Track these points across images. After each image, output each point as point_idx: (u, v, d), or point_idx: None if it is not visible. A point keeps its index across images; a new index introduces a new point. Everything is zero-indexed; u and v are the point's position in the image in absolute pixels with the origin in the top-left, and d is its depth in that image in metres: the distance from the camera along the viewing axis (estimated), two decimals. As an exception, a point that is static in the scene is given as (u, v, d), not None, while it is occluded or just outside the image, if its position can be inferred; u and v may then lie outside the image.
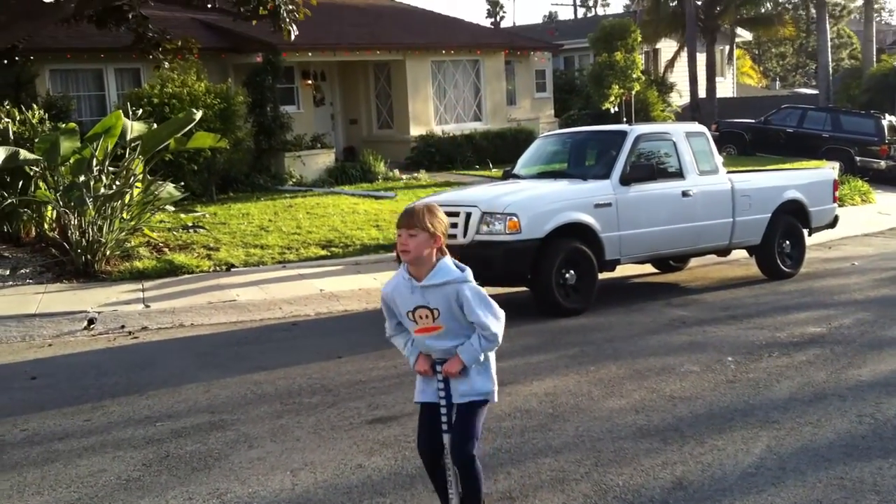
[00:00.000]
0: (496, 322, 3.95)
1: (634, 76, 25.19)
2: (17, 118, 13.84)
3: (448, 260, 4.00)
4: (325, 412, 6.26)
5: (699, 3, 30.84)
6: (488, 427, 5.81)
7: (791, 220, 11.47)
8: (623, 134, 10.44)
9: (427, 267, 3.95)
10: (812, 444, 5.34)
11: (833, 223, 12.32)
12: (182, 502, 4.77)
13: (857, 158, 23.52)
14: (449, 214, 9.24)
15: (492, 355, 4.10)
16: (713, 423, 5.79)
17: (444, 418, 4.06)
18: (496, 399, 4.10)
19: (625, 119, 25.06)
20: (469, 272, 4.02)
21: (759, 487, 4.72)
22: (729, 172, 11.32)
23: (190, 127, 12.67)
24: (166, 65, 15.63)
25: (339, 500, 4.73)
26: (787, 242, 11.43)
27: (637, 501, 4.60)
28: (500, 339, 3.99)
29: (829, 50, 32.81)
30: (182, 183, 14.00)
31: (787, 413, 5.93)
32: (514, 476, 4.98)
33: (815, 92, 38.01)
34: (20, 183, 12.66)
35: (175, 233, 13.14)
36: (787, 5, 51.49)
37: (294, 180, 19.05)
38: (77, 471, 5.29)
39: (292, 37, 13.32)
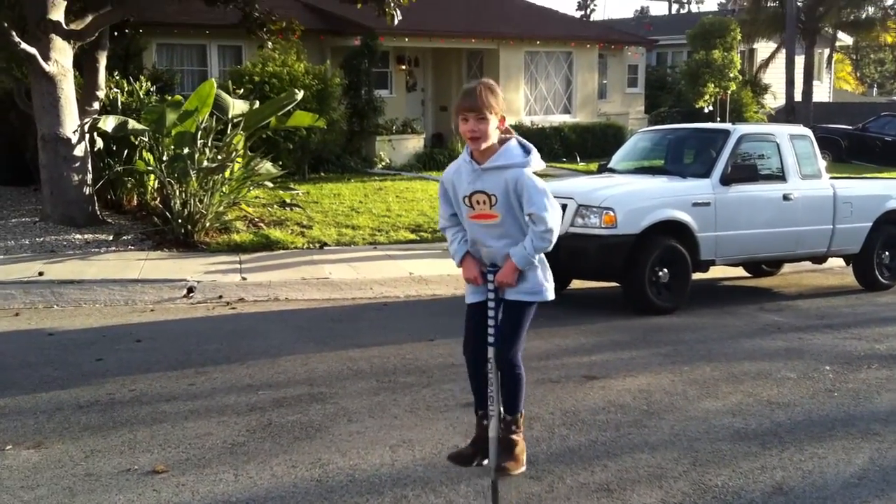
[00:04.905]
0: (554, 215, 3.71)
1: (731, 75, 24.77)
2: (126, 89, 14.29)
3: (514, 142, 3.78)
4: (420, 392, 6.36)
5: (800, 4, 30.09)
6: (582, 419, 5.85)
7: (893, 230, 11.18)
8: (726, 133, 10.29)
9: (492, 149, 3.77)
10: (917, 460, 5.24)
11: (937, 237, 11.93)
12: (286, 469, 4.91)
13: (959, 172, 22.72)
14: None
15: (543, 256, 3.84)
16: (813, 430, 5.71)
17: (490, 329, 3.87)
18: (550, 297, 3.84)
19: (718, 118, 24.63)
20: (534, 155, 3.77)
21: (863, 498, 4.65)
22: (831, 178, 11.08)
23: (290, 107, 12.93)
24: (269, 45, 15.89)
25: (437, 479, 4.80)
26: (887, 253, 11.13)
27: (737, 503, 4.58)
28: (555, 238, 3.74)
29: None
30: (279, 162, 14.26)
31: (889, 426, 5.81)
32: (610, 469, 4.99)
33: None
34: (125, 152, 13.09)
35: (270, 209, 13.42)
36: (889, 10, 49.85)
37: (383, 164, 19.26)
38: (184, 432, 5.48)
39: (395, 21, 13.45)
